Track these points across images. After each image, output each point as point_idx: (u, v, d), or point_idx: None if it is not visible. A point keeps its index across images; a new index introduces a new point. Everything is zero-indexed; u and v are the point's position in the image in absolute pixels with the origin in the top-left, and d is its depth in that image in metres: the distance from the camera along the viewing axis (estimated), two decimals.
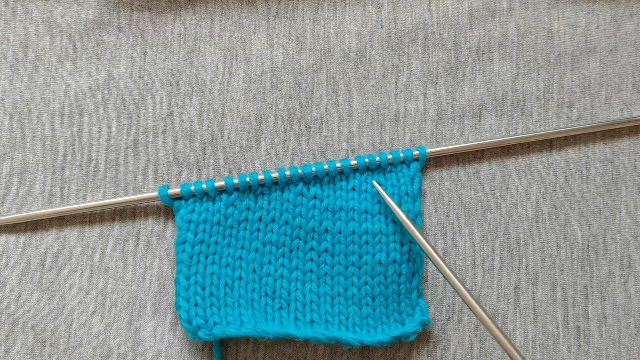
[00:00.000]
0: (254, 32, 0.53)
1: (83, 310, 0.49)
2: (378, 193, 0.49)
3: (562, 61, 0.53)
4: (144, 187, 0.51)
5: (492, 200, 0.51)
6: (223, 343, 0.49)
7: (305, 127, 0.52)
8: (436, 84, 0.52)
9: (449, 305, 0.50)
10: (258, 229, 0.49)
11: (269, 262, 0.49)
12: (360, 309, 0.48)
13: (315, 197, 0.49)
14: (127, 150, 0.51)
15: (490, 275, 0.50)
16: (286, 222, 0.49)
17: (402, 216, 0.48)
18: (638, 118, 0.52)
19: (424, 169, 0.51)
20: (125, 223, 0.50)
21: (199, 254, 0.48)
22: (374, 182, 0.49)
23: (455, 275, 0.45)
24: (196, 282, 0.48)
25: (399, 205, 0.49)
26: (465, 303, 0.45)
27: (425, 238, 0.47)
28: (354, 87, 0.52)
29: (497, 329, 0.44)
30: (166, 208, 0.51)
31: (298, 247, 0.49)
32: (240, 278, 0.49)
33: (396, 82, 0.52)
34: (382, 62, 0.53)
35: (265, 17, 0.53)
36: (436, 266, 0.46)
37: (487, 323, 0.44)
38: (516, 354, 0.43)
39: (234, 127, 0.52)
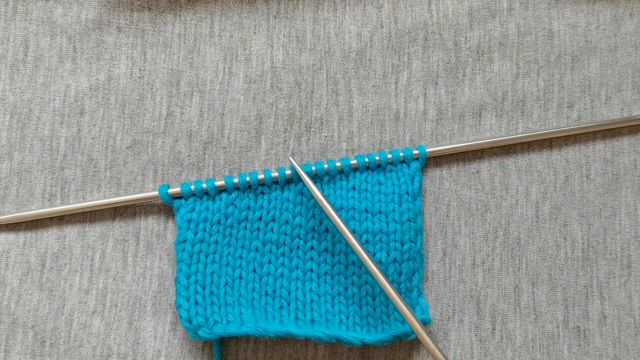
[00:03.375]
0: (254, 32, 0.53)
1: (83, 310, 0.50)
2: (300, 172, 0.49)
3: (562, 61, 0.53)
4: (144, 187, 0.51)
5: (492, 200, 0.52)
6: (223, 343, 0.50)
7: (306, 127, 0.52)
8: (436, 84, 0.53)
9: (449, 305, 0.51)
10: (258, 228, 0.50)
11: (269, 262, 0.49)
12: (360, 308, 0.49)
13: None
14: (127, 151, 0.52)
15: (491, 275, 0.51)
16: (286, 222, 0.49)
17: (319, 195, 0.48)
18: (638, 117, 0.52)
19: (424, 169, 0.52)
20: (125, 223, 0.51)
21: (199, 253, 0.49)
22: (290, 158, 0.49)
23: (371, 259, 0.46)
24: (196, 281, 0.48)
25: (400, 205, 0.50)
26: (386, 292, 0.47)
27: (342, 220, 0.47)
28: (354, 87, 0.53)
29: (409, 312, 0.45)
30: (166, 208, 0.51)
31: (298, 247, 0.49)
32: (240, 277, 0.49)
33: (396, 82, 0.53)
34: (382, 62, 0.53)
35: (265, 17, 0.54)
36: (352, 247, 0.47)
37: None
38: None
39: (234, 127, 0.52)
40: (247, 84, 0.53)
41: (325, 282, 0.49)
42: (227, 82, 0.53)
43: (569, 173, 0.52)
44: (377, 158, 0.50)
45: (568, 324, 0.51)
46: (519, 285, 0.51)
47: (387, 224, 0.49)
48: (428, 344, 0.45)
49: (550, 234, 0.51)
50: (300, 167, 0.49)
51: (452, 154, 0.52)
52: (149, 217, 0.51)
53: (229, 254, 0.49)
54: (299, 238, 0.49)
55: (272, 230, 0.50)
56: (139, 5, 0.53)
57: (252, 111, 0.52)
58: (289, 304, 0.49)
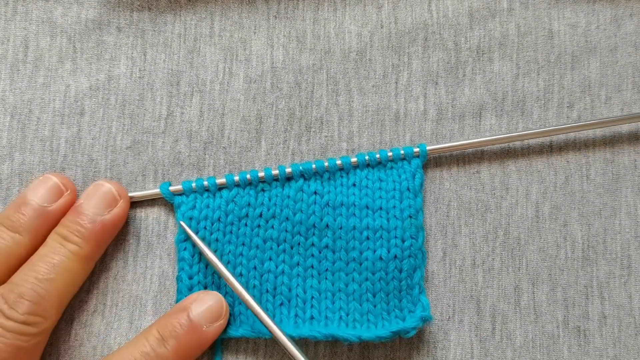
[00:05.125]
0: (254, 32, 0.54)
1: (84, 310, 0.50)
2: None
3: (562, 61, 0.54)
4: (144, 188, 0.52)
5: (492, 200, 0.53)
6: (223, 343, 0.50)
7: (306, 127, 0.53)
8: (436, 84, 0.54)
9: (449, 305, 0.51)
10: (259, 226, 0.50)
11: (270, 259, 0.50)
12: (361, 305, 0.49)
13: (315, 193, 0.50)
14: (127, 151, 0.53)
15: (491, 275, 0.52)
16: (287, 218, 0.50)
17: (206, 251, 0.49)
18: (638, 114, 0.52)
19: (424, 169, 0.52)
20: (125, 223, 0.51)
21: (200, 252, 0.50)
22: (181, 223, 0.50)
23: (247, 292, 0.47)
24: (199, 282, 0.50)
25: (401, 201, 0.50)
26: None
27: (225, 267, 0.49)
28: (354, 87, 0.54)
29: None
30: (166, 208, 0.52)
31: (299, 243, 0.50)
32: (240, 275, 0.50)
33: (396, 82, 0.54)
34: (382, 62, 0.54)
35: (265, 17, 0.54)
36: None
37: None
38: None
39: (234, 127, 0.53)
40: (247, 84, 0.53)
41: (326, 278, 0.50)
42: (227, 82, 0.53)
43: (569, 173, 0.53)
44: (378, 156, 0.51)
45: (568, 324, 0.51)
46: (519, 285, 0.52)
47: (388, 220, 0.50)
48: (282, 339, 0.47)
49: (550, 234, 0.52)
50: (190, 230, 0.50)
51: (452, 154, 0.53)
52: (149, 217, 0.52)
53: (229, 252, 0.50)
54: (300, 235, 0.50)
55: (272, 227, 0.50)
56: (139, 5, 0.54)
57: (252, 111, 0.53)
58: (289, 301, 0.50)
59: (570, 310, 0.52)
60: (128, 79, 0.53)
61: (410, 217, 0.50)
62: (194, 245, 0.50)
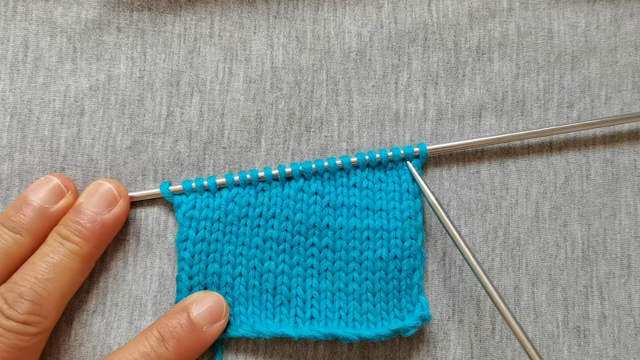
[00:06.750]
0: (254, 32, 0.55)
1: (84, 310, 0.51)
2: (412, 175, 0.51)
3: (562, 61, 0.55)
4: (144, 188, 0.52)
5: (492, 200, 0.53)
6: (223, 342, 0.51)
7: (305, 127, 0.54)
8: (436, 84, 0.54)
9: (449, 305, 0.52)
10: (258, 225, 0.51)
11: (270, 259, 0.50)
12: (360, 305, 0.50)
13: (316, 193, 0.51)
14: (127, 151, 0.53)
15: (491, 275, 0.52)
16: (287, 218, 0.50)
17: (434, 201, 0.50)
18: (638, 114, 0.53)
19: (424, 169, 0.53)
20: (125, 223, 0.52)
21: (200, 252, 0.50)
22: (409, 163, 0.51)
23: (484, 272, 0.47)
24: (199, 283, 0.50)
25: (401, 202, 0.51)
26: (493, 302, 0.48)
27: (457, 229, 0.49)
28: (354, 87, 0.54)
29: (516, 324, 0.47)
30: (166, 208, 0.52)
31: (299, 243, 0.50)
32: (240, 275, 0.50)
33: (396, 82, 0.54)
34: (382, 62, 0.54)
35: (265, 17, 0.55)
36: (464, 257, 0.48)
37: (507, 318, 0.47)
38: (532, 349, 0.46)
39: (234, 127, 0.54)
40: (247, 84, 0.54)
41: (326, 278, 0.50)
42: (227, 82, 0.54)
43: (569, 173, 0.54)
44: (378, 156, 0.51)
45: (568, 324, 0.52)
46: (519, 285, 0.52)
47: (388, 221, 0.50)
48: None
49: (550, 234, 0.53)
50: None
51: (452, 153, 0.53)
52: (149, 217, 0.52)
53: (229, 252, 0.50)
54: (300, 235, 0.50)
55: (272, 227, 0.51)
56: (139, 5, 0.54)
57: (252, 111, 0.54)
58: (289, 301, 0.50)
59: (570, 310, 0.52)
60: (128, 79, 0.54)
61: (410, 218, 0.51)
62: (422, 192, 0.51)
